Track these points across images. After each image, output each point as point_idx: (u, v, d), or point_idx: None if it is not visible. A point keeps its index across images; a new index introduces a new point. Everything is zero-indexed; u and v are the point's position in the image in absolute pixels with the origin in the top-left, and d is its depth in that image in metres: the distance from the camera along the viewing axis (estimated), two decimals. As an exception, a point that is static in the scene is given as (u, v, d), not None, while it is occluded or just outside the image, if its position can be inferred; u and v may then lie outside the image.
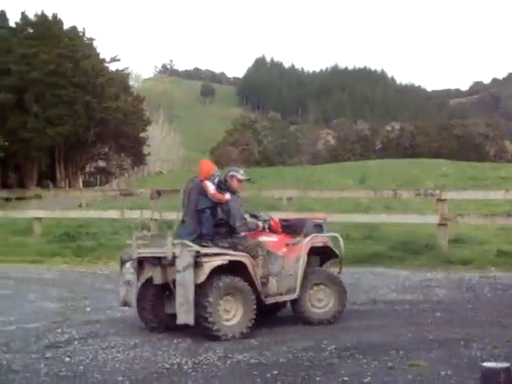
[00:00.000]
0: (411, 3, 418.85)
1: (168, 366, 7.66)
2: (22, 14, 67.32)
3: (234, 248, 9.40)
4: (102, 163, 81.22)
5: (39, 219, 20.84)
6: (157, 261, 9.23)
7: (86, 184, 71.45)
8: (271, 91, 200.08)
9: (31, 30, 66.10)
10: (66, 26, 68.04)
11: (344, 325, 9.61)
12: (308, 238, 9.93)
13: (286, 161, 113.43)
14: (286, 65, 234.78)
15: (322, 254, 10.33)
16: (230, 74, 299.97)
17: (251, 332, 9.15)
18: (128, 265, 9.39)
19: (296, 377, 7.07)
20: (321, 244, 10.12)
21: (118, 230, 20.11)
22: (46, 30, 64.95)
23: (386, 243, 17.57)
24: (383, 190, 19.79)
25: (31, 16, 67.32)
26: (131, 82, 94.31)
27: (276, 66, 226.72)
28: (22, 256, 18.26)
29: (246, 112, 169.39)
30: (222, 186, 9.79)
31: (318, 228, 10.24)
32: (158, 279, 9.27)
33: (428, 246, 16.88)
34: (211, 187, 9.64)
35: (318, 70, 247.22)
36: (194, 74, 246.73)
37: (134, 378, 7.20)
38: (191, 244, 9.10)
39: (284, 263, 9.73)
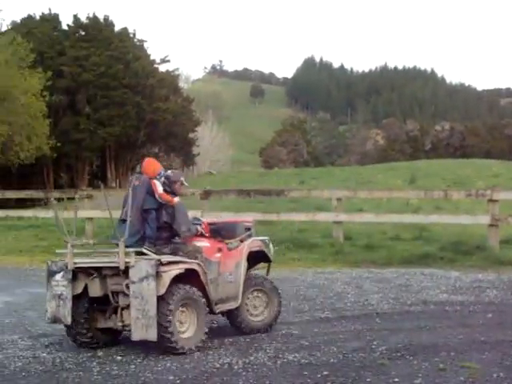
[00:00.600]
0: (460, 2, 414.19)
1: (218, 365, 7.70)
2: (75, 16, 68.10)
3: (175, 254, 8.77)
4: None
5: (91, 219, 21.08)
6: (95, 271, 8.54)
7: (137, 184, 71.91)
8: (320, 91, 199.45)
9: (83, 33, 66.86)
10: (117, 28, 68.64)
11: (394, 326, 9.56)
12: (247, 243, 9.52)
13: (335, 161, 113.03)
14: (335, 65, 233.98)
15: (253, 259, 9.69)
16: (280, 75, 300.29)
17: (301, 332, 9.16)
18: (58, 276, 8.53)
19: (346, 377, 7.06)
20: (257, 248, 9.69)
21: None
22: (97, 32, 65.64)
23: (437, 244, 17.46)
24: (433, 191, 19.66)
25: (83, 18, 68.11)
26: (181, 83, 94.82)
27: (325, 66, 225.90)
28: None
29: (295, 112, 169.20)
30: (166, 188, 9.18)
31: (248, 231, 9.72)
32: (95, 291, 8.58)
33: (479, 247, 16.74)
34: (160, 187, 9.06)
35: (367, 69, 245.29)
36: (243, 75, 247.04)
37: (184, 377, 7.25)
38: (147, 251, 8.44)
39: (220, 269, 9.12)
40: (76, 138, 59.62)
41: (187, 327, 8.40)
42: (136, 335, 8.10)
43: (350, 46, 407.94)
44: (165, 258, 8.32)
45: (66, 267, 8.52)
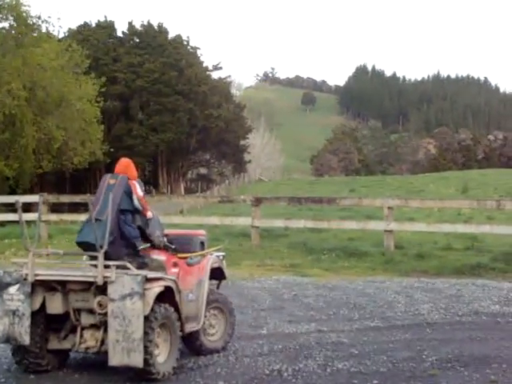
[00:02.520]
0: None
1: (268, 372, 7.70)
2: (129, 23, 68.98)
3: (141, 268, 7.91)
4: (203, 170, 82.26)
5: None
6: (57, 285, 7.54)
7: (188, 190, 72.46)
8: (372, 100, 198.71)
9: (137, 40, 67.68)
10: (170, 35, 69.29)
11: (445, 336, 9.49)
12: (209, 258, 8.73)
13: (386, 170, 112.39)
14: (388, 73, 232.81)
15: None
16: (332, 82, 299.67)
17: (351, 340, 9.14)
18: (13, 290, 7.48)
19: (396, 387, 7.04)
20: (216, 265, 8.86)
21: (218, 237, 20.36)
22: (151, 39, 66.37)
23: (489, 254, 17.28)
24: (486, 200, 19.46)
25: (138, 26, 68.91)
26: (233, 91, 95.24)
27: (377, 75, 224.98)
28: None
29: (346, 120, 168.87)
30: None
31: (202, 245, 8.87)
32: (55, 308, 7.54)
33: (533, 259, 16.52)
34: (140, 190, 8.33)
35: (419, 78, 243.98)
36: (295, 82, 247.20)
37: (234, 383, 7.28)
38: (129, 265, 7.44)
39: (178, 288, 7.96)
40: (129, 144, 60.30)
41: (162, 351, 7.51)
42: (115, 360, 7.08)
43: (402, 54, 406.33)
44: (149, 274, 7.42)
45: (25, 279, 7.48)
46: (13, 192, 40.16)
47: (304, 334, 9.77)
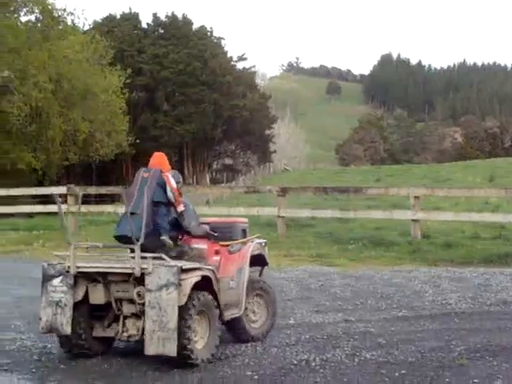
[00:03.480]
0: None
1: (296, 362, 7.72)
2: (154, 15, 69.07)
3: (181, 258, 8.16)
4: (228, 160, 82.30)
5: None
6: (98, 276, 7.82)
7: (213, 181, 72.57)
8: (397, 88, 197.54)
9: (162, 31, 67.76)
10: (195, 26, 69.31)
11: (474, 326, 9.46)
12: (250, 246, 8.87)
13: (412, 159, 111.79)
14: (413, 61, 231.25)
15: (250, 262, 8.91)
16: (356, 72, 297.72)
17: (378, 330, 9.14)
18: (56, 281, 7.77)
19: (425, 377, 7.02)
20: (257, 252, 9.04)
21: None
22: (176, 30, 66.40)
23: (517, 243, 17.19)
24: (514, 189, 19.32)
25: (162, 17, 68.99)
26: (257, 81, 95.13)
27: (402, 63, 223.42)
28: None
29: (371, 109, 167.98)
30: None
31: (243, 233, 9.05)
32: (98, 298, 7.83)
33: (562, 247, 16.42)
34: (173, 182, 8.45)
35: (445, 66, 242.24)
36: (319, 72, 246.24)
37: (262, 373, 7.30)
38: (165, 257, 7.66)
39: (219, 274, 8.25)
40: (154, 135, 60.42)
41: (200, 338, 7.75)
42: (151, 349, 7.36)
43: (428, 42, 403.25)
44: (185, 265, 7.63)
45: (67, 271, 7.79)
46: (40, 184, 40.50)
47: (331, 323, 9.79)
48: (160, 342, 7.27)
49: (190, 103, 63.15)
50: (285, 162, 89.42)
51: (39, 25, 41.57)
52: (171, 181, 8.42)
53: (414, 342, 8.48)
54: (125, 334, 7.85)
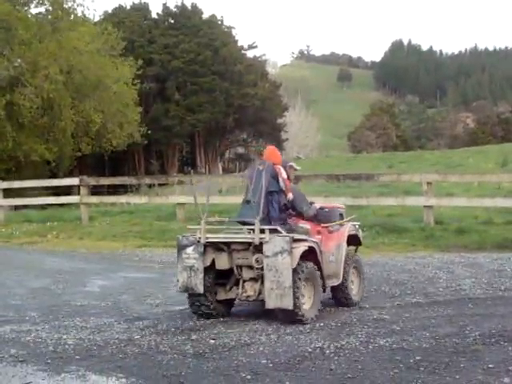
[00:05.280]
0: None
1: (310, 349, 7.72)
2: (164, 5, 69.10)
3: (290, 233, 9.38)
4: (240, 149, 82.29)
5: (182, 205, 21.34)
6: (223, 246, 9.32)
7: (226, 170, 72.59)
8: (409, 75, 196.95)
9: (172, 21, 67.79)
10: (205, 15, 69.29)
11: (488, 311, 9.44)
12: (347, 227, 10.36)
13: (424, 145, 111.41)
14: (424, 47, 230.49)
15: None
16: (367, 58, 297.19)
17: (392, 317, 9.15)
18: (189, 250, 9.32)
19: (439, 363, 7.00)
20: (353, 232, 10.51)
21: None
22: (186, 19, 66.41)
23: (531, 228, 17.11)
24: (527, 174, 19.24)
25: (172, 7, 68.96)
26: (268, 69, 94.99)
27: (413, 49, 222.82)
28: (165, 241, 18.76)
29: (383, 96, 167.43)
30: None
31: (341, 216, 10.59)
32: (223, 264, 9.36)
33: None
34: (284, 173, 9.78)
35: (456, 51, 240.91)
36: (330, 59, 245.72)
37: (277, 361, 7.29)
38: (280, 229, 9.11)
39: (321, 249, 9.68)
40: (166, 125, 60.52)
41: (307, 300, 9.07)
42: (271, 304, 8.86)
43: (439, 28, 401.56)
44: (295, 236, 9.03)
45: (198, 241, 9.28)
46: (53, 175, 40.67)
47: (345, 311, 9.80)
48: (278, 298, 8.77)
49: (201, 92, 63.19)
50: (297, 149, 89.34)
51: (49, 17, 41.56)
52: (282, 173, 9.69)
53: (428, 328, 8.46)
54: (244, 295, 9.36)
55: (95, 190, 26.97)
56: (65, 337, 8.58)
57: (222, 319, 9.38)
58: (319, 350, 7.67)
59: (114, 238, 19.95)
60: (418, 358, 7.21)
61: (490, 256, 14.65)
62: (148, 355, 7.72)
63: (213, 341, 8.25)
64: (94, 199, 23.98)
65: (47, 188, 28.35)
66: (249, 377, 6.81)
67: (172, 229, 20.08)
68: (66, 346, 8.17)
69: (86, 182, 22.98)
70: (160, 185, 31.01)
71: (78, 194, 23.23)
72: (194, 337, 8.47)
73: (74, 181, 24.48)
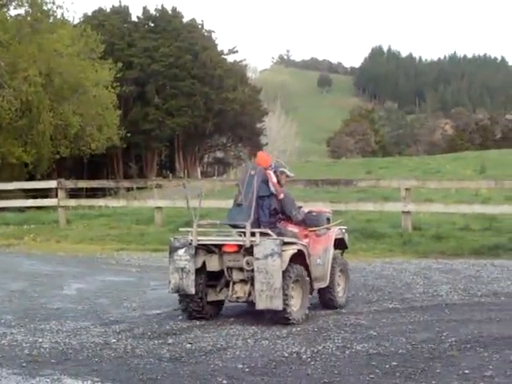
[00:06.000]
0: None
1: (287, 354, 7.71)
2: (144, 8, 69.01)
3: (279, 236, 9.58)
4: (219, 154, 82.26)
5: (160, 208, 21.29)
6: (214, 248, 9.49)
7: (204, 174, 72.53)
8: (388, 81, 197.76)
9: (152, 24, 67.68)
10: (185, 19, 69.25)
11: (464, 317, 9.47)
12: (334, 231, 10.58)
13: (403, 151, 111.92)
14: (404, 54, 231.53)
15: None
16: (347, 64, 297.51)
17: (369, 322, 9.17)
18: (181, 252, 9.47)
19: (415, 368, 7.02)
20: (340, 236, 10.78)
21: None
22: (166, 23, 66.36)
23: (507, 235, 17.19)
24: (504, 181, 19.36)
25: (152, 10, 68.87)
26: (248, 74, 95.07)
27: (393, 55, 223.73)
28: (143, 245, 18.70)
29: (362, 102, 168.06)
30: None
31: (328, 220, 10.72)
32: (213, 266, 9.53)
33: (552, 239, 16.43)
34: (274, 177, 9.95)
35: (435, 58, 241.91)
36: (310, 64, 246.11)
37: (253, 366, 7.28)
38: (270, 232, 9.28)
39: (309, 252, 9.87)
40: (145, 129, 60.42)
41: (295, 301, 9.29)
42: (261, 305, 9.04)
43: (418, 34, 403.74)
44: (285, 239, 9.28)
45: (190, 243, 9.46)
46: (31, 178, 40.44)
47: (322, 316, 9.80)
48: (268, 299, 8.96)
49: (180, 96, 63.14)
50: (276, 154, 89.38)
51: (29, 18, 41.37)
52: (272, 177, 9.91)
53: (404, 334, 8.48)
54: (234, 296, 9.53)
55: (73, 193, 26.84)
56: (40, 340, 8.52)
57: (197, 323, 9.36)
58: (296, 355, 7.67)
59: (92, 241, 19.87)
60: (394, 363, 7.23)
61: (467, 262, 14.72)
62: (124, 359, 7.68)
63: (189, 345, 8.23)
64: (72, 202, 23.86)
65: (25, 190, 28.20)
66: (225, 381, 6.79)
67: (150, 232, 20.03)
68: (42, 350, 8.11)
69: (63, 184, 22.89)
70: (138, 188, 30.96)
71: (56, 196, 23.11)
72: (170, 341, 8.44)
73: (51, 183, 24.36)
